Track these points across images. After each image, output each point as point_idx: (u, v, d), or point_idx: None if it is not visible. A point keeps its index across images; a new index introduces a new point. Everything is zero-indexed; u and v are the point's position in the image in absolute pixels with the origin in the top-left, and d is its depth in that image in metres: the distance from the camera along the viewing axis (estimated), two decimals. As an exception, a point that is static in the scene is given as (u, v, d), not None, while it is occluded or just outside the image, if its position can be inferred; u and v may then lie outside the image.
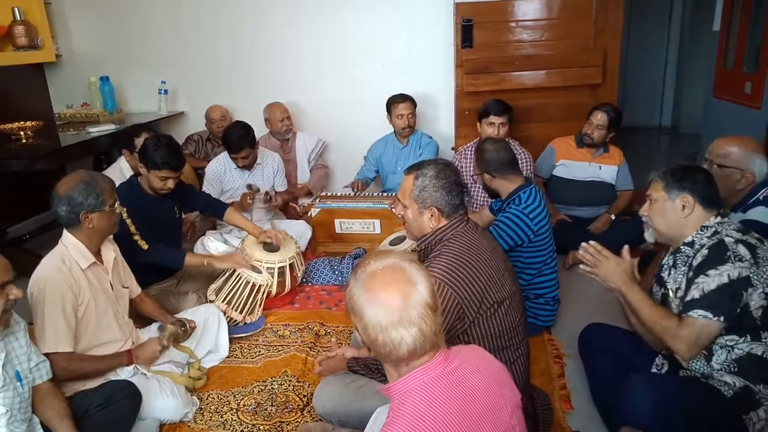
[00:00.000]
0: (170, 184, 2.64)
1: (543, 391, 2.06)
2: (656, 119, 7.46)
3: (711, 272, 1.60)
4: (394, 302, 1.09)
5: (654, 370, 1.86)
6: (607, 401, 1.96)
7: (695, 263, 1.67)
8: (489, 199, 3.26)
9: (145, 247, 2.56)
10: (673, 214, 1.75)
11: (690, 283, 1.66)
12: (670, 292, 1.79)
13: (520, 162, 3.40)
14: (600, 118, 3.44)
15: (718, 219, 1.72)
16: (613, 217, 3.48)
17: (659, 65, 7.23)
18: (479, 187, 3.46)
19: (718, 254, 1.61)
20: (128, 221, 2.49)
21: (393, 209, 2.22)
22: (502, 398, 1.21)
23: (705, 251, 1.65)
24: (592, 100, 3.66)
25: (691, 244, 1.73)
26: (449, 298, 1.58)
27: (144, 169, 2.63)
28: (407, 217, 1.82)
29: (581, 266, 1.87)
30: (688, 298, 1.63)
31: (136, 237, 2.53)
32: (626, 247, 1.83)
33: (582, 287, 3.04)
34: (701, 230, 1.72)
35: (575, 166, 3.58)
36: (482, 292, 1.64)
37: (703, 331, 1.60)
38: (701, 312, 1.58)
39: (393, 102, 3.76)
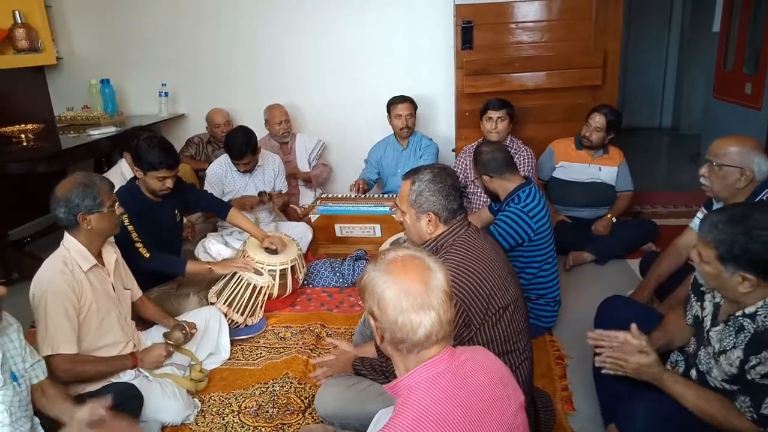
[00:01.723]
0: (168, 183, 2.63)
1: (545, 392, 2.06)
2: (656, 120, 7.46)
3: None
4: (415, 286, 1.12)
5: (668, 366, 1.82)
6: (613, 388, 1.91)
7: (762, 363, 1.44)
8: (488, 201, 3.28)
9: (147, 255, 2.56)
10: (729, 284, 1.49)
11: (761, 389, 1.45)
12: (710, 346, 1.62)
13: (522, 160, 3.42)
14: (598, 120, 3.43)
15: None
16: (614, 219, 3.48)
17: (659, 66, 7.23)
18: (479, 189, 3.47)
19: None
20: (130, 228, 2.49)
21: (393, 214, 2.23)
22: (507, 397, 1.22)
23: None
24: (592, 101, 3.66)
25: (752, 317, 1.48)
26: (455, 305, 1.58)
27: (140, 172, 2.63)
28: (406, 223, 1.84)
29: (605, 369, 1.72)
30: (764, 411, 1.44)
31: (138, 245, 2.54)
32: (633, 325, 1.68)
33: (582, 288, 3.05)
34: (766, 303, 1.47)
35: (575, 167, 3.58)
36: (487, 297, 1.64)
37: None
38: None
39: (392, 103, 3.77)
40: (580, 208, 3.59)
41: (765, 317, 1.46)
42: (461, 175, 3.60)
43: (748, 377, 1.48)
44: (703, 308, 1.69)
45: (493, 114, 3.46)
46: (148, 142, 2.61)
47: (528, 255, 2.52)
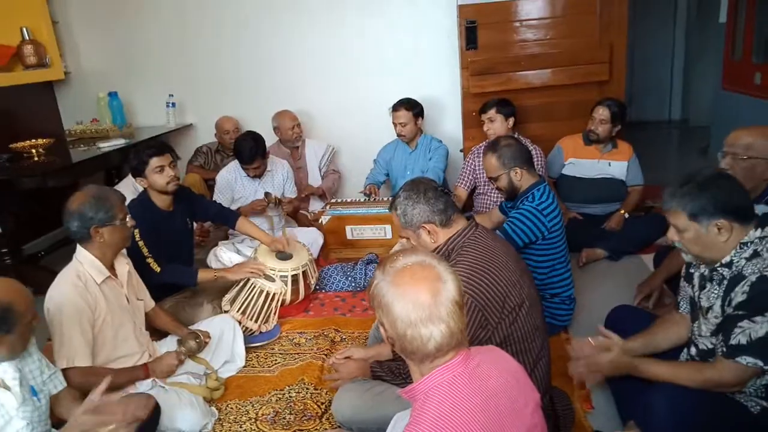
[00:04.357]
0: (169, 171, 2.62)
1: (563, 391, 2.04)
2: (665, 113, 7.40)
3: (758, 318, 1.51)
4: (424, 298, 1.09)
5: (683, 358, 1.83)
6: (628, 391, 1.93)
7: (735, 298, 1.56)
8: (498, 201, 3.26)
9: (158, 270, 2.56)
10: (708, 239, 1.59)
11: (731, 320, 1.56)
12: (702, 310, 1.73)
13: (533, 158, 3.40)
14: (602, 112, 3.42)
15: (759, 233, 1.57)
16: (626, 215, 3.46)
17: (666, 59, 7.18)
18: (490, 189, 3.46)
19: (763, 298, 1.51)
20: (140, 243, 2.50)
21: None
22: (523, 396, 1.21)
23: (746, 288, 1.54)
24: (600, 97, 3.63)
25: (728, 265, 1.60)
26: (470, 306, 1.58)
27: (143, 181, 2.65)
28: (414, 244, 1.88)
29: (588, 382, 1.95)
30: (733, 342, 1.55)
31: (149, 260, 2.55)
32: (600, 327, 1.96)
33: (597, 285, 3.02)
34: (740, 248, 1.58)
35: (584, 163, 3.56)
36: (503, 296, 1.63)
37: (749, 372, 1.55)
38: (750, 359, 1.52)
39: (392, 109, 3.76)
40: (592, 204, 3.57)
41: (739, 260, 1.58)
42: (470, 177, 3.59)
43: (726, 316, 1.59)
44: (693, 285, 1.78)
45: (483, 116, 3.49)
46: (134, 149, 2.71)
47: (540, 254, 2.51)
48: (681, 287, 1.90)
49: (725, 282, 1.62)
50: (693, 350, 1.77)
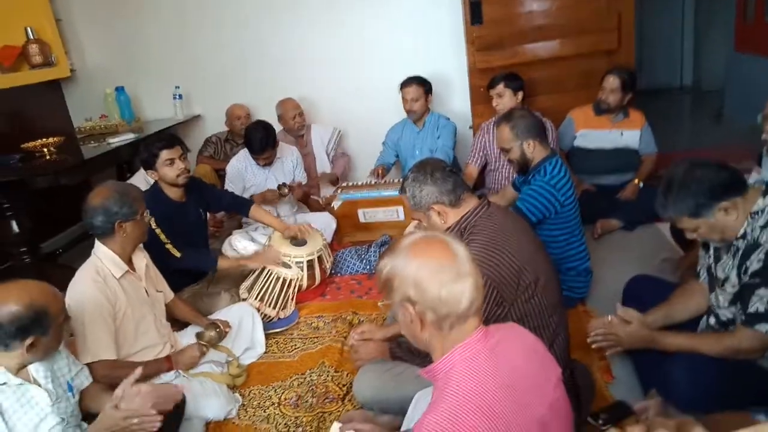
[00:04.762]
0: (179, 164, 2.63)
1: (583, 364, 2.04)
2: (677, 79, 7.28)
3: None
4: (446, 260, 1.12)
5: (702, 327, 1.83)
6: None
7: (751, 267, 1.56)
8: (510, 178, 3.24)
9: (178, 254, 2.59)
10: (720, 224, 1.60)
11: (749, 289, 1.56)
12: (718, 281, 1.73)
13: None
14: (612, 81, 3.37)
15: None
16: (641, 184, 3.42)
17: (676, 23, 7.04)
18: (501, 165, 3.44)
19: None
20: (157, 231, 2.53)
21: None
22: (545, 371, 1.21)
23: (762, 256, 1.53)
24: (609, 66, 3.56)
25: (743, 236, 1.61)
26: (486, 283, 1.57)
27: (153, 173, 2.66)
28: (427, 226, 1.88)
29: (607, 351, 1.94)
30: (751, 310, 1.55)
31: (168, 245, 2.57)
32: (618, 305, 1.92)
33: (614, 256, 3.01)
34: (752, 217, 1.58)
35: (596, 134, 3.52)
36: (518, 272, 1.63)
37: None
38: None
39: (401, 86, 3.72)
40: (605, 175, 3.53)
41: (752, 230, 1.58)
42: (480, 153, 3.56)
43: (743, 284, 1.58)
44: (709, 256, 1.80)
45: (491, 91, 3.44)
46: (143, 143, 2.69)
47: (555, 228, 2.49)
48: (699, 256, 1.89)
49: (740, 252, 1.61)
50: (712, 320, 1.77)
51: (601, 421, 1.88)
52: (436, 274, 1.10)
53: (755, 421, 1.20)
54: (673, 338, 1.74)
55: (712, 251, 1.77)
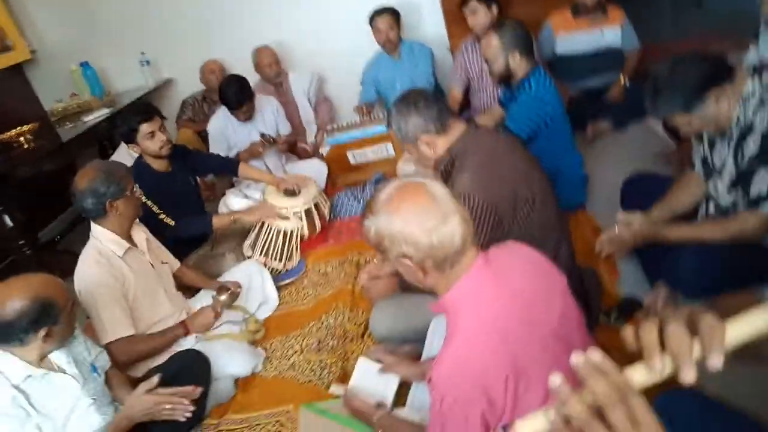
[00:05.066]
0: (160, 136, 2.58)
1: (589, 267, 2.08)
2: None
3: None
4: (425, 204, 1.10)
5: (701, 215, 1.86)
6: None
7: (747, 151, 1.56)
8: (497, 96, 3.19)
9: (172, 223, 2.59)
10: (713, 114, 1.60)
11: (748, 172, 1.57)
12: (714, 168, 1.74)
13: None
14: None
15: (757, 81, 1.55)
16: (627, 83, 3.36)
17: None
18: (485, 84, 3.37)
19: None
20: (149, 203, 2.51)
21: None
22: (550, 284, 1.23)
23: (758, 138, 1.53)
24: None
25: (736, 122, 1.61)
26: (483, 206, 1.58)
27: (135, 147, 2.61)
28: (417, 158, 1.86)
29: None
30: (753, 192, 1.56)
31: (162, 216, 2.56)
32: (619, 212, 1.94)
33: (608, 158, 3.01)
34: (743, 103, 1.58)
35: (576, 37, 3.42)
36: (513, 193, 1.63)
37: None
38: None
39: (372, 18, 3.59)
40: (590, 77, 3.46)
41: (744, 115, 1.57)
42: (463, 75, 3.48)
43: (741, 169, 1.60)
44: (703, 145, 1.80)
45: (465, 8, 3.26)
46: (119, 116, 2.60)
47: (546, 141, 2.47)
48: (693, 147, 1.89)
49: (734, 137, 1.61)
50: (711, 208, 1.78)
51: (613, 319, 1.94)
52: (422, 223, 1.09)
53: (761, 299, 1.23)
54: (678, 230, 1.77)
55: (706, 140, 1.76)
